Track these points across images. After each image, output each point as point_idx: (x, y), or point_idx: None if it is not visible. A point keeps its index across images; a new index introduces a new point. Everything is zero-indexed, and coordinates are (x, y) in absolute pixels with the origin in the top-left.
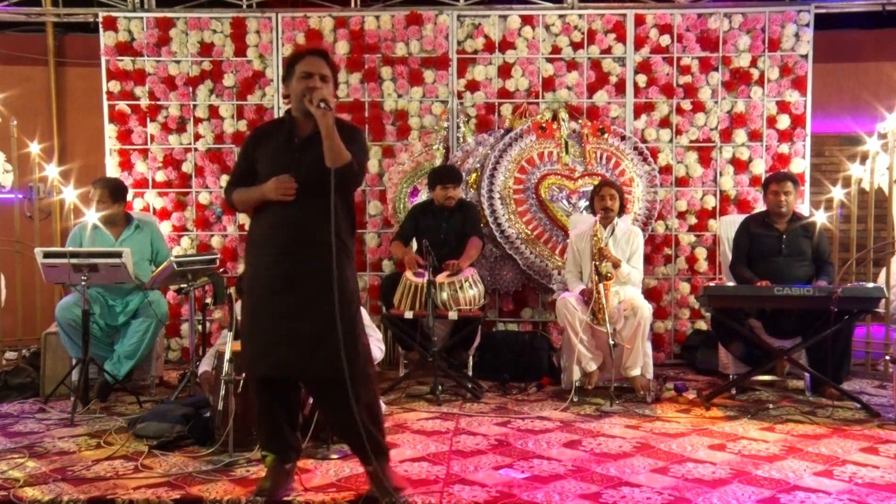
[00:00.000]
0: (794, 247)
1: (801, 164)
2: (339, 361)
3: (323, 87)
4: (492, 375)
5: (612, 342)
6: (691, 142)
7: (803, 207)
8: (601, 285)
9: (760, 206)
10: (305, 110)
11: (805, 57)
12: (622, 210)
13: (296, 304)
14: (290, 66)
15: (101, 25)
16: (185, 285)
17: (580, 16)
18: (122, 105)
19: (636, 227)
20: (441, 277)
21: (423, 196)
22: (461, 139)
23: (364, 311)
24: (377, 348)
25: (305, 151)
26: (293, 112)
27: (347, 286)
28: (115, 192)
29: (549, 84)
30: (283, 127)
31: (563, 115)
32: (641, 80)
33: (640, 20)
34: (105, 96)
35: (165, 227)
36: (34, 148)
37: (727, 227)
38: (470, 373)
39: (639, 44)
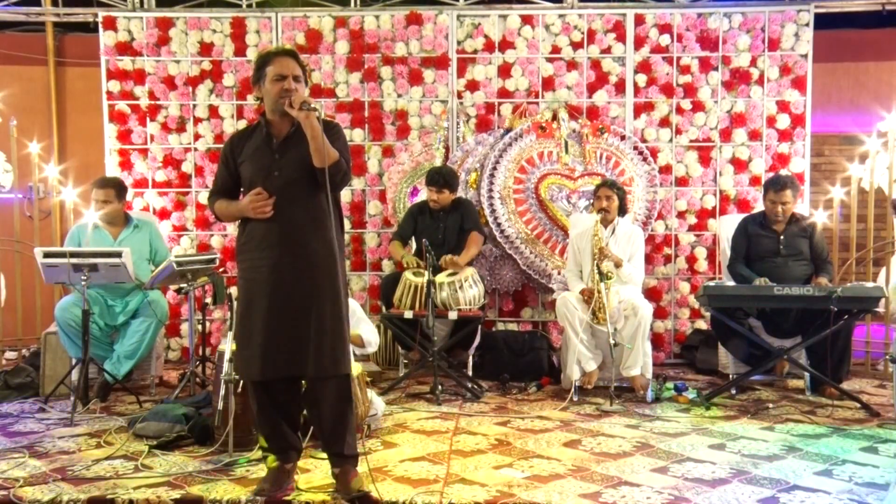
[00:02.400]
0: (793, 247)
1: (800, 164)
2: (334, 360)
3: (298, 87)
4: (492, 375)
5: (612, 342)
6: (691, 141)
7: (803, 207)
8: (601, 284)
9: (760, 206)
10: (282, 112)
11: (805, 57)
12: (623, 210)
13: (292, 306)
14: (259, 68)
15: (100, 25)
16: (184, 285)
17: (580, 15)
18: (122, 105)
19: (637, 226)
20: (441, 277)
21: (423, 195)
22: (461, 139)
23: (355, 301)
24: (371, 333)
25: (285, 151)
26: (268, 115)
27: (342, 285)
28: (119, 189)
29: (548, 84)
30: (260, 129)
31: (563, 114)
32: (641, 79)
33: (639, 20)
34: (105, 96)
35: (165, 227)
36: (34, 148)
37: (727, 226)
38: (470, 373)
39: (638, 43)
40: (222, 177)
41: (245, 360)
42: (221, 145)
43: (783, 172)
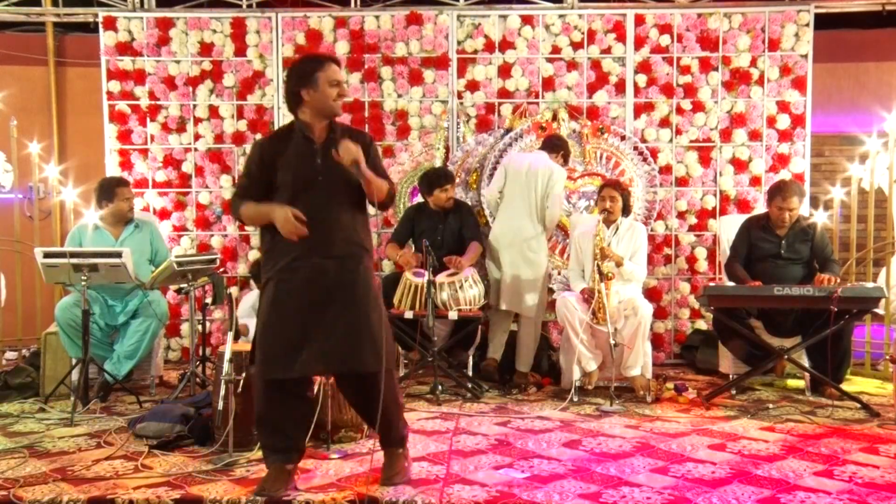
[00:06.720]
0: (794, 250)
1: (801, 164)
2: (377, 356)
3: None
4: (491, 375)
5: (612, 342)
6: (691, 142)
7: (803, 208)
8: (602, 285)
9: (760, 206)
10: (328, 114)
11: (805, 57)
12: (627, 210)
13: (331, 307)
14: (310, 73)
15: (101, 25)
16: (185, 285)
17: (580, 16)
18: (122, 105)
19: (639, 223)
20: (441, 277)
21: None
22: (461, 139)
23: None
24: None
25: (327, 156)
26: (307, 117)
27: (378, 286)
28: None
29: (548, 84)
30: (296, 133)
31: (563, 114)
32: (641, 80)
33: (639, 20)
34: (105, 96)
35: (165, 227)
36: (34, 148)
37: (727, 227)
38: (470, 373)
39: (639, 44)
40: (254, 178)
41: (273, 357)
42: (222, 145)
43: (788, 178)
